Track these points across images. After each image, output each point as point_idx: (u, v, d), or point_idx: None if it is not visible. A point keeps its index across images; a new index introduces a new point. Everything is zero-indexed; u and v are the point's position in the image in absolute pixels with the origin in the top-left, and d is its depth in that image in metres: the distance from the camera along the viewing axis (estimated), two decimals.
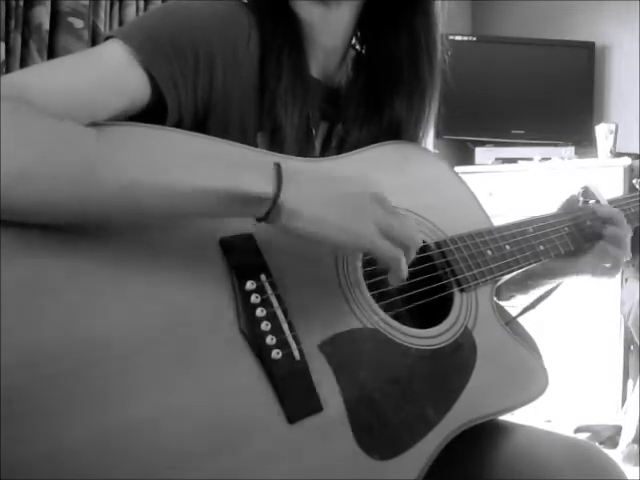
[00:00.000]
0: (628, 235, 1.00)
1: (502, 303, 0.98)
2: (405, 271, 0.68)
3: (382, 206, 0.67)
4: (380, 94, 0.90)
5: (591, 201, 1.06)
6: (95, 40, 1.98)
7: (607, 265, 1.00)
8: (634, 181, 1.21)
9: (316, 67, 0.87)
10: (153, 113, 0.72)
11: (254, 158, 0.74)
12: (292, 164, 0.76)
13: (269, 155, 0.76)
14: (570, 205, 1.05)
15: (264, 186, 0.62)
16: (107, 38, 0.73)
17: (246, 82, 0.78)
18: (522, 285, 1.02)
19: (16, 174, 0.54)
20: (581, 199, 1.06)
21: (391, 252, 0.66)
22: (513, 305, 0.99)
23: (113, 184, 0.57)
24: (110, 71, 0.69)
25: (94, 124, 0.65)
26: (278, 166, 0.63)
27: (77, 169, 0.56)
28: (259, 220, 0.64)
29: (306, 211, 0.63)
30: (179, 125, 0.74)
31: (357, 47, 0.95)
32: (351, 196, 0.66)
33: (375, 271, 0.77)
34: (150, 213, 0.60)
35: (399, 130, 0.91)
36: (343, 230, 0.64)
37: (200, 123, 0.76)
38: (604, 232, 0.98)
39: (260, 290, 0.66)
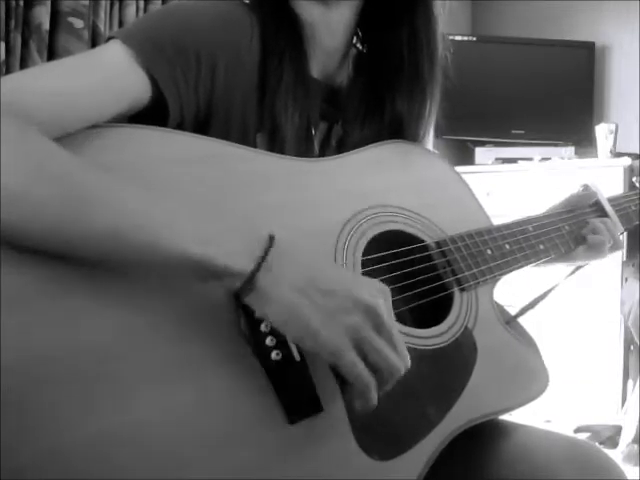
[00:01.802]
0: (606, 245, 1.02)
1: (500, 302, 0.98)
2: (374, 402, 0.60)
3: (373, 319, 0.59)
4: (381, 92, 0.90)
5: (592, 199, 1.06)
6: (95, 40, 1.98)
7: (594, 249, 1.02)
8: (634, 179, 1.22)
9: (317, 67, 0.87)
10: (155, 113, 0.72)
11: (248, 170, 0.72)
12: (290, 169, 0.76)
13: (269, 156, 0.76)
14: (577, 204, 1.05)
15: (244, 261, 0.58)
16: (108, 39, 0.73)
17: (247, 82, 0.78)
18: None
19: (5, 195, 0.53)
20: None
21: (359, 375, 0.59)
22: (513, 305, 0.99)
23: (96, 225, 0.56)
24: (110, 73, 0.69)
25: (93, 127, 0.65)
26: (271, 241, 0.59)
27: (67, 202, 0.55)
28: (233, 293, 0.60)
29: (277, 298, 0.58)
30: (181, 125, 0.74)
31: (358, 46, 0.95)
32: (337, 296, 0.59)
33: (375, 271, 0.77)
34: (128, 263, 0.58)
35: (400, 129, 0.91)
36: (312, 333, 0.58)
37: (201, 123, 0.76)
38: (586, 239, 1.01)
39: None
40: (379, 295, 0.61)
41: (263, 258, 0.58)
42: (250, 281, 0.58)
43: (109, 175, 0.60)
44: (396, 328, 0.62)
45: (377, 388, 0.60)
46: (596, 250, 1.01)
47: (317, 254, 0.63)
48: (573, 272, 1.07)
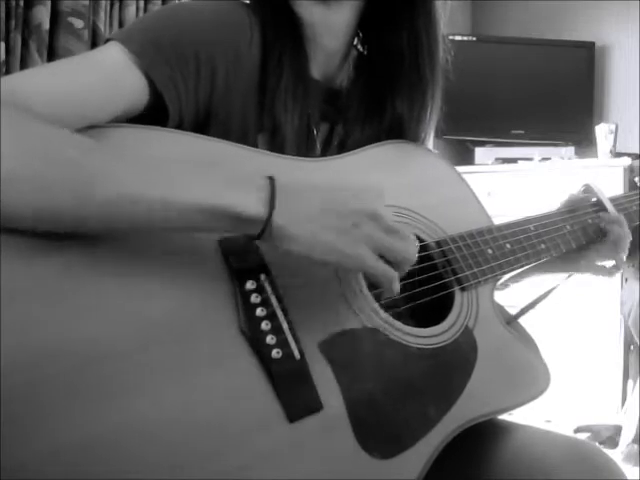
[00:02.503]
0: (628, 239, 1.01)
1: (500, 302, 0.98)
2: (397, 289, 0.68)
3: (379, 223, 0.66)
4: (382, 93, 0.90)
5: (592, 199, 1.06)
6: (95, 40, 1.98)
7: (607, 265, 1.01)
8: (636, 178, 1.22)
9: (317, 68, 0.87)
10: (155, 114, 0.72)
11: (250, 170, 0.73)
12: (290, 169, 0.76)
13: (268, 156, 0.76)
14: (577, 204, 1.05)
15: (257, 207, 0.61)
16: (107, 41, 0.73)
17: (247, 83, 0.78)
18: (516, 275, 1.03)
19: (10, 175, 0.54)
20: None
21: (383, 271, 0.66)
22: (513, 305, 0.99)
23: (108, 195, 0.57)
24: (109, 74, 0.69)
25: (93, 127, 0.65)
26: (272, 182, 0.63)
27: (73, 176, 0.56)
28: (253, 238, 0.63)
29: (298, 233, 0.63)
30: (180, 126, 0.74)
31: (359, 48, 0.95)
32: (345, 214, 0.65)
33: None
34: (141, 226, 0.60)
35: (400, 130, 0.91)
36: (335, 250, 0.64)
37: (201, 124, 0.76)
38: (608, 231, 0.99)
39: (260, 290, 0.66)
40: (374, 198, 0.67)
41: (273, 199, 0.62)
42: (268, 224, 0.61)
43: (109, 148, 0.62)
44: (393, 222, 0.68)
45: (398, 278, 0.67)
46: (615, 246, 1.00)
47: (315, 186, 0.68)
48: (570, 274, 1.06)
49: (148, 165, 0.60)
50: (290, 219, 0.62)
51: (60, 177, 0.56)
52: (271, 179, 0.63)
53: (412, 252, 0.68)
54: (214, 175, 0.62)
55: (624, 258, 1.01)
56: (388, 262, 0.67)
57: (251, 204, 0.61)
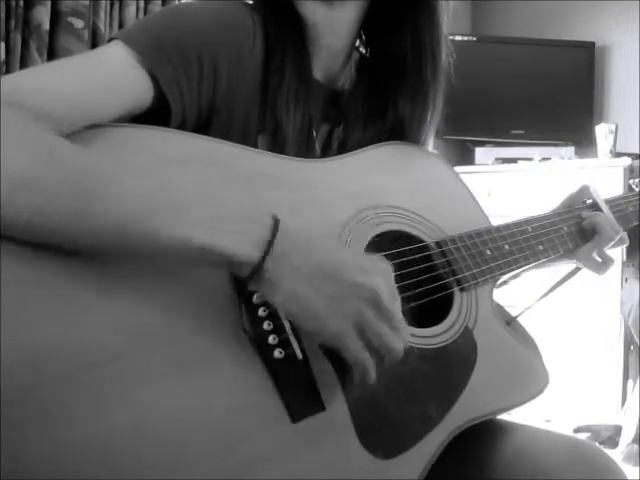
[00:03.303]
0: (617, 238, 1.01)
1: (500, 302, 0.98)
2: (372, 379, 0.63)
3: (373, 306, 0.62)
4: (384, 95, 0.90)
5: (588, 201, 1.06)
6: (95, 40, 1.98)
7: (598, 260, 1.02)
8: (630, 181, 1.22)
9: (319, 69, 0.87)
10: (157, 114, 0.72)
11: (250, 170, 0.72)
12: (289, 168, 0.76)
13: (268, 156, 0.76)
14: (571, 202, 1.05)
15: (250, 251, 0.59)
16: (110, 40, 0.73)
17: (250, 83, 0.78)
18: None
19: (16, 182, 0.53)
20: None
21: (360, 357, 0.62)
22: (513, 305, 0.99)
23: (106, 215, 0.56)
24: (112, 73, 0.69)
25: (95, 126, 0.65)
26: (275, 224, 0.60)
27: (75, 187, 0.55)
28: (240, 278, 0.61)
29: (285, 287, 0.60)
30: (182, 126, 0.74)
31: (361, 49, 0.95)
32: (340, 284, 0.61)
33: None
34: (133, 252, 0.59)
35: (402, 132, 0.91)
36: (317, 319, 0.61)
37: (203, 124, 0.76)
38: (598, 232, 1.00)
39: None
40: (380, 276, 0.63)
41: (270, 244, 0.59)
42: (258, 269, 0.59)
43: (112, 165, 0.60)
44: (399, 304, 0.64)
45: (376, 368, 0.63)
46: (604, 235, 1.00)
47: (319, 238, 0.65)
48: (573, 274, 1.06)
49: (146, 189, 0.59)
50: (279, 270, 0.60)
51: (63, 183, 0.55)
52: (275, 221, 0.61)
53: (400, 349, 0.64)
54: (215, 208, 0.60)
55: (611, 260, 1.02)
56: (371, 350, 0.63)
57: (244, 248, 0.59)
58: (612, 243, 1.01)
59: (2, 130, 0.54)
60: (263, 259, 0.59)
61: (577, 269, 1.06)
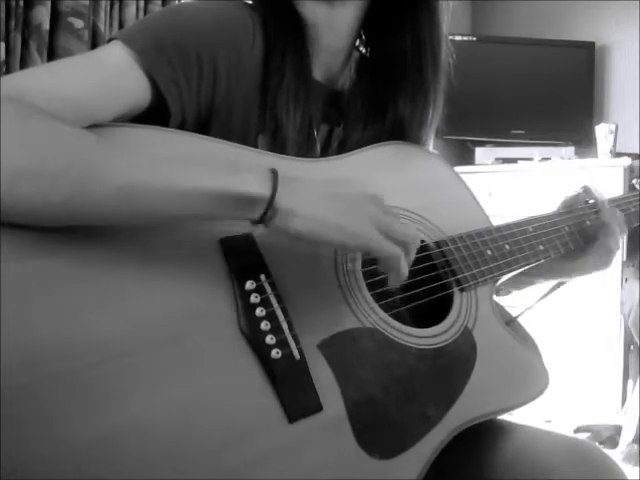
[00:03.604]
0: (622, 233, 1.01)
1: (501, 301, 0.98)
2: (406, 270, 0.67)
3: (379, 207, 0.67)
4: (384, 95, 0.90)
5: (591, 201, 1.06)
6: (95, 40, 1.98)
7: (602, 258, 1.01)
8: (634, 181, 1.21)
9: (319, 69, 0.87)
10: (157, 114, 0.72)
11: (251, 161, 0.74)
12: (289, 167, 0.76)
13: (268, 155, 0.76)
14: (572, 203, 1.05)
15: (260, 187, 0.61)
16: (109, 40, 0.73)
17: (249, 83, 0.78)
18: (517, 281, 1.03)
19: (16, 174, 0.54)
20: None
21: (391, 250, 0.66)
22: (513, 305, 0.99)
23: (112, 185, 0.57)
24: (111, 74, 0.69)
25: (94, 126, 0.65)
26: (274, 170, 0.63)
27: (77, 170, 0.56)
28: (255, 223, 0.63)
29: (302, 210, 0.63)
30: (182, 126, 0.74)
31: (361, 49, 0.95)
32: (347, 196, 0.66)
33: (375, 271, 0.77)
34: (147, 214, 0.60)
35: (402, 132, 0.91)
36: (341, 229, 0.64)
37: (202, 125, 0.76)
38: (603, 231, 0.99)
39: (260, 290, 0.66)
40: (367, 187, 0.68)
41: (275, 183, 0.62)
42: (272, 203, 0.61)
43: (117, 143, 0.63)
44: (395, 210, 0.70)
45: (405, 259, 0.67)
46: (608, 244, 0.99)
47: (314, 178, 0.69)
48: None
49: (150, 157, 0.61)
50: (293, 198, 0.63)
51: (61, 166, 0.56)
52: (272, 169, 0.63)
53: (415, 233, 0.69)
54: (216, 162, 0.64)
55: (616, 250, 1.01)
56: None
57: (254, 184, 0.61)
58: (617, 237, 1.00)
59: (2, 122, 0.55)
60: (274, 194, 0.61)
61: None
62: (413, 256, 0.69)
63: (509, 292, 1.03)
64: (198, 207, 0.61)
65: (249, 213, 0.62)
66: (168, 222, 0.64)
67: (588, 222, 1.02)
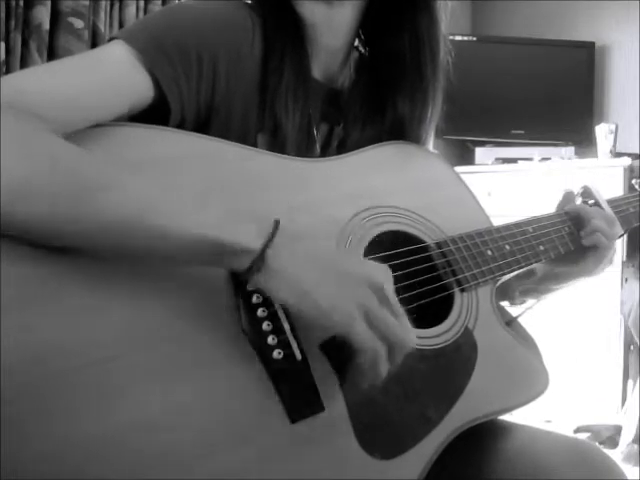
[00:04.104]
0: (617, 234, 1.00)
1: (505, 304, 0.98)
2: (383, 373, 0.62)
3: (376, 294, 0.61)
4: (383, 95, 0.90)
5: (590, 201, 1.06)
6: (95, 40, 1.98)
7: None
8: (633, 181, 1.21)
9: (318, 68, 0.87)
10: (157, 113, 0.72)
11: (251, 169, 0.73)
12: (289, 168, 0.76)
13: (267, 155, 0.76)
14: (567, 201, 1.05)
15: (251, 241, 0.59)
16: (111, 39, 0.73)
17: (249, 83, 0.78)
18: (532, 291, 1.02)
19: (17, 189, 0.53)
20: (580, 199, 1.06)
21: (370, 344, 0.60)
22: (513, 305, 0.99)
23: (106, 216, 0.56)
24: (113, 72, 0.69)
25: (96, 126, 0.65)
26: (276, 223, 0.61)
27: (76, 193, 0.56)
28: (239, 273, 0.61)
29: (288, 275, 0.59)
30: (181, 125, 0.74)
31: (360, 49, 0.95)
32: (344, 273, 0.61)
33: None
34: (134, 250, 0.59)
35: (402, 131, 0.91)
36: (320, 307, 0.60)
37: (202, 124, 0.76)
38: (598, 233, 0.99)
39: (261, 290, 0.66)
40: (380, 272, 0.63)
41: (272, 236, 0.60)
42: (260, 258, 0.59)
43: (116, 167, 0.61)
44: (398, 305, 0.63)
45: (386, 360, 0.62)
46: (603, 248, 0.99)
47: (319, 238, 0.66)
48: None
49: (150, 187, 0.60)
50: (282, 260, 0.59)
51: (61, 186, 0.55)
52: (276, 221, 0.61)
53: (410, 339, 0.63)
54: (214, 206, 0.61)
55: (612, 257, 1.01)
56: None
57: (245, 238, 0.59)
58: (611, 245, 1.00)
59: (2, 136, 0.54)
60: (265, 247, 0.59)
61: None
62: (399, 360, 0.63)
63: (523, 301, 1.03)
64: (185, 250, 0.59)
65: (234, 265, 0.60)
66: (154, 261, 0.61)
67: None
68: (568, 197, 1.05)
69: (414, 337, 0.63)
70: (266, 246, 0.59)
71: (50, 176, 0.55)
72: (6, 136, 0.54)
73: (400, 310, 0.62)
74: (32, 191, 0.54)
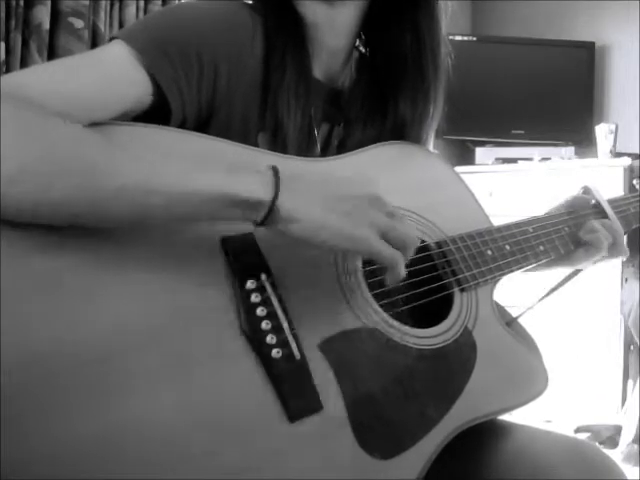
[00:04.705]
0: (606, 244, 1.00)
1: (501, 302, 0.98)
2: (403, 271, 0.68)
3: (380, 208, 0.67)
4: (384, 94, 0.90)
5: (591, 201, 1.06)
6: (95, 40, 1.98)
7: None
8: (634, 181, 1.21)
9: (319, 68, 0.87)
10: (158, 113, 0.72)
11: (252, 162, 0.74)
12: (290, 166, 0.76)
13: (268, 155, 0.77)
14: (572, 204, 1.05)
15: (262, 191, 0.62)
16: (111, 39, 0.73)
17: (250, 82, 0.78)
18: None
19: (16, 172, 0.54)
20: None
21: (389, 253, 0.66)
22: (513, 305, 0.99)
23: (113, 184, 0.57)
24: (113, 72, 0.69)
25: (95, 124, 0.65)
26: (275, 170, 0.63)
27: (78, 168, 0.57)
28: (257, 225, 0.63)
29: (303, 215, 0.63)
30: (182, 125, 0.74)
31: (361, 49, 0.95)
32: (348, 199, 0.66)
33: (375, 271, 0.77)
34: (149, 215, 0.60)
35: (402, 131, 0.91)
36: (340, 233, 0.64)
37: (203, 124, 0.76)
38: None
39: (260, 289, 0.66)
40: (372, 186, 0.68)
41: (277, 184, 0.62)
42: (272, 206, 0.61)
43: (117, 144, 0.63)
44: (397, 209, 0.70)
45: (403, 259, 0.68)
46: (595, 248, 0.99)
47: (314, 174, 0.70)
48: (574, 275, 1.06)
49: (151, 157, 0.61)
50: (295, 201, 0.63)
51: (62, 164, 0.56)
52: (273, 168, 0.64)
53: (414, 235, 0.70)
54: (218, 164, 0.64)
55: (605, 259, 1.01)
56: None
57: (256, 187, 0.62)
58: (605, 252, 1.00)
59: (2, 119, 0.55)
60: (276, 196, 0.62)
61: (578, 270, 1.06)
62: (411, 254, 0.70)
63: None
64: (198, 209, 0.61)
65: (251, 216, 0.63)
66: (168, 223, 0.64)
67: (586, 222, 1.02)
68: (577, 201, 1.05)
69: (415, 231, 0.73)
70: (275, 195, 0.62)
71: (50, 155, 0.56)
72: (5, 121, 0.55)
73: (399, 213, 0.69)
74: (33, 171, 0.55)
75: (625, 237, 1.04)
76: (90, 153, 0.58)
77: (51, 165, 0.56)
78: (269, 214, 0.62)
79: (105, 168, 0.58)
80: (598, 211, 1.05)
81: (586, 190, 1.06)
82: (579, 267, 1.03)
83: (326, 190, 0.66)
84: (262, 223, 0.63)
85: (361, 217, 0.65)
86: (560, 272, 1.06)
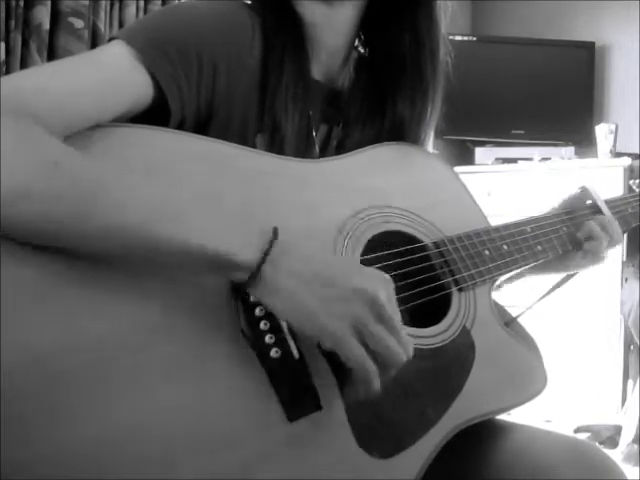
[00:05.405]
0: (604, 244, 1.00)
1: (501, 302, 0.98)
2: (376, 389, 0.61)
3: (375, 309, 0.60)
4: (382, 95, 0.90)
5: (588, 201, 1.06)
6: (95, 40, 1.98)
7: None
8: (631, 182, 1.22)
9: (318, 68, 0.87)
10: (157, 113, 0.72)
11: (249, 171, 0.73)
12: (287, 168, 0.76)
13: (266, 155, 0.76)
14: (570, 204, 1.05)
15: (249, 253, 0.60)
16: (111, 39, 0.73)
17: (248, 83, 0.78)
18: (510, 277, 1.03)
19: (19, 191, 0.54)
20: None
21: (359, 360, 0.60)
22: (513, 305, 0.99)
23: (108, 221, 0.57)
24: (113, 72, 0.69)
25: (96, 127, 0.65)
26: (275, 233, 0.61)
27: (74, 199, 0.56)
28: (238, 285, 0.62)
29: (280, 287, 0.60)
30: (181, 125, 0.74)
31: (360, 49, 0.95)
32: (340, 287, 0.61)
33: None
34: (133, 256, 0.59)
35: (401, 131, 0.91)
36: (315, 322, 0.60)
37: (202, 124, 0.76)
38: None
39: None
40: (380, 284, 0.62)
41: (268, 250, 0.60)
42: (256, 273, 0.60)
43: (118, 171, 0.61)
44: (399, 317, 0.63)
45: (379, 376, 0.61)
46: (593, 255, 1.00)
47: (318, 249, 0.66)
48: (574, 274, 1.06)
49: (150, 194, 0.60)
50: (277, 273, 0.60)
51: (63, 189, 0.56)
52: (275, 231, 0.62)
53: (402, 355, 0.61)
54: (213, 213, 0.61)
55: (601, 263, 1.01)
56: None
57: (243, 251, 0.59)
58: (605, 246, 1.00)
59: (3, 139, 0.54)
60: (262, 261, 0.60)
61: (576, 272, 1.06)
62: (391, 374, 0.62)
63: (500, 287, 1.03)
64: (186, 261, 0.60)
65: (233, 277, 0.61)
66: (148, 265, 0.61)
67: (584, 223, 1.02)
68: (574, 200, 1.05)
69: (410, 350, 0.62)
70: (262, 262, 0.60)
71: (52, 179, 0.55)
72: (7, 139, 0.55)
73: (397, 325, 0.61)
74: (33, 194, 0.54)
75: (625, 236, 1.04)
76: (94, 182, 0.57)
77: (54, 188, 0.55)
78: (251, 278, 0.60)
79: (104, 201, 0.57)
80: (595, 211, 1.05)
81: (584, 190, 1.06)
82: (574, 272, 1.03)
83: (321, 269, 0.61)
84: (246, 284, 0.61)
85: (344, 312, 0.59)
86: (555, 277, 1.06)
